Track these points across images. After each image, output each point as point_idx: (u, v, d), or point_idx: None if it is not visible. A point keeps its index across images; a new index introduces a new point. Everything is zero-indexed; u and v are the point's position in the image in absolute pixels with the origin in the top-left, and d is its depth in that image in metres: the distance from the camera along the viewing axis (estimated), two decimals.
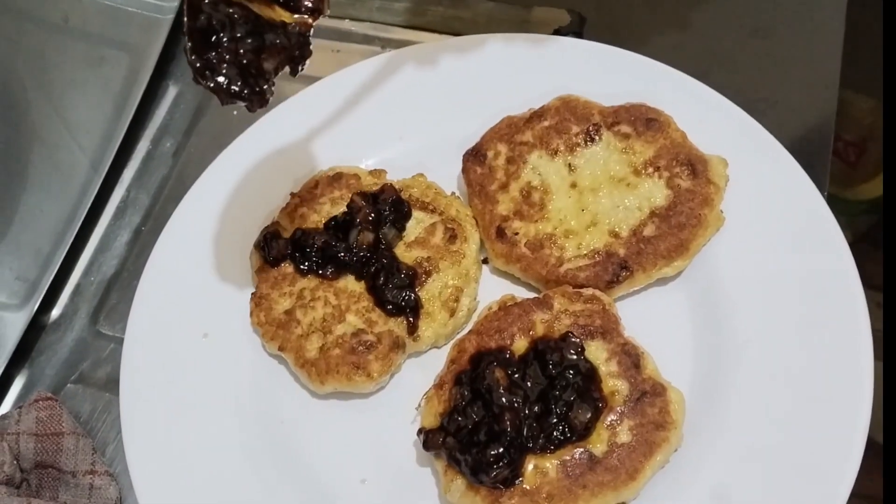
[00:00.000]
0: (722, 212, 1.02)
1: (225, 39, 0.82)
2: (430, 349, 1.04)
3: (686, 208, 1.00)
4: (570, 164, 1.06)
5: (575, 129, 1.07)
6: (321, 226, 1.07)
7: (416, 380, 1.01)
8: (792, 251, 0.99)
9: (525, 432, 0.89)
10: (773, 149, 1.05)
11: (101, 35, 1.20)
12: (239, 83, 0.84)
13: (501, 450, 0.88)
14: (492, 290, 1.06)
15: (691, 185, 1.01)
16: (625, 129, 1.06)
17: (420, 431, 0.93)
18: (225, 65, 0.83)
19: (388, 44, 1.34)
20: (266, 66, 0.84)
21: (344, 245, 1.04)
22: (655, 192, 1.02)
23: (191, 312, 1.06)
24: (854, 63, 1.68)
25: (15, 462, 1.01)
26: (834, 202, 1.68)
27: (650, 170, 1.03)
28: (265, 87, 0.85)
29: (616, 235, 1.01)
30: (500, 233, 1.05)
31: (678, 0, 1.31)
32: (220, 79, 0.83)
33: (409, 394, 1.00)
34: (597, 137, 1.06)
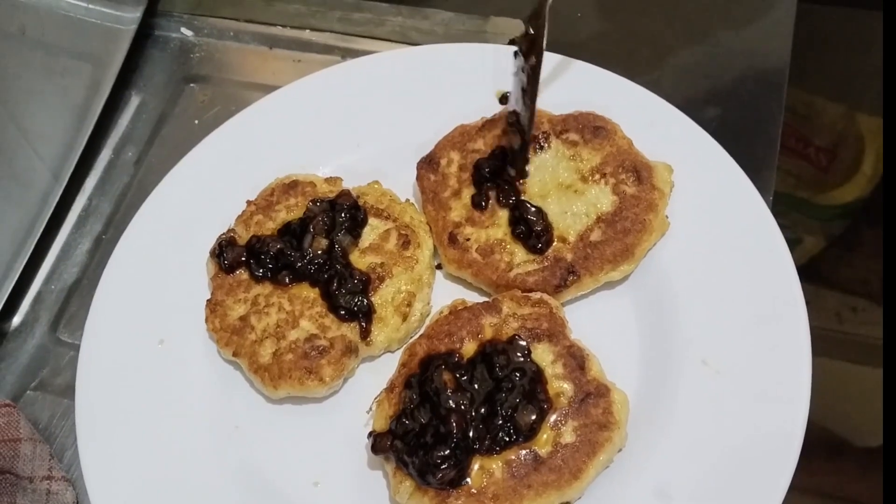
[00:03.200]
0: (667, 217, 1.05)
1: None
2: (383, 353, 1.06)
3: (631, 214, 1.03)
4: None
5: None
6: (277, 233, 1.08)
7: (370, 384, 1.03)
8: (735, 254, 1.02)
9: (471, 434, 0.91)
10: (718, 155, 1.08)
11: (61, 46, 1.21)
12: None
13: (447, 451, 0.90)
14: (445, 294, 1.08)
15: (636, 191, 1.04)
16: (573, 136, 1.08)
17: (370, 435, 0.94)
18: None
19: (348, 53, 1.36)
20: None
21: (298, 252, 1.05)
22: (602, 199, 1.04)
23: (147, 319, 1.07)
24: (825, 71, 1.72)
25: None
26: (806, 207, 1.72)
27: (597, 176, 1.05)
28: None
29: (564, 241, 1.03)
30: (453, 239, 1.07)
31: (631, 10, 1.34)
32: None
33: (362, 398, 1.02)
34: (546, 145, 1.08)
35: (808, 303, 1.71)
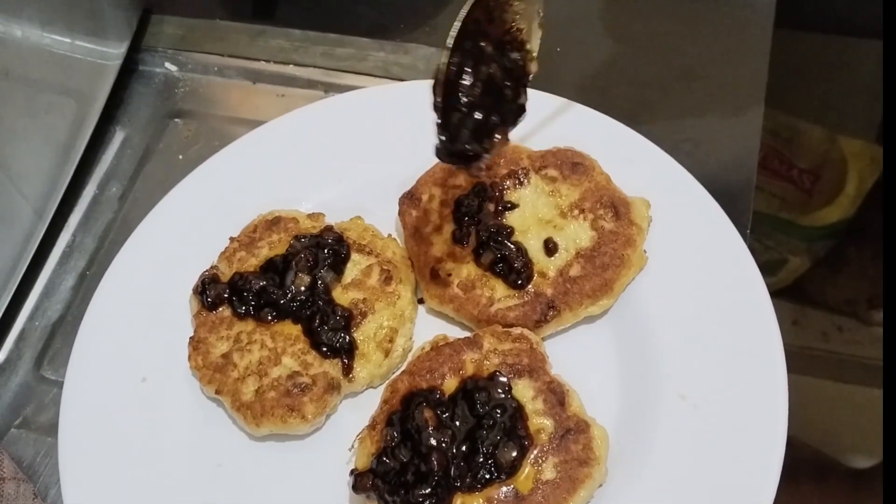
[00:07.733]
0: (645, 251, 1.06)
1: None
2: (366, 390, 1.06)
3: (610, 249, 1.04)
4: (500, 207, 1.09)
5: (504, 172, 1.10)
6: (259, 270, 1.09)
7: (353, 420, 1.03)
8: (711, 289, 1.03)
9: (452, 472, 0.92)
10: (694, 190, 1.09)
11: (45, 83, 1.22)
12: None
13: (428, 490, 0.90)
14: (428, 329, 1.09)
15: (614, 227, 1.05)
16: (552, 172, 1.10)
17: (351, 473, 0.95)
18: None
19: (331, 88, 1.38)
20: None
21: (281, 289, 1.06)
22: (581, 234, 1.06)
23: (130, 357, 1.08)
24: (806, 95, 1.75)
25: None
26: (791, 228, 1.74)
27: (575, 212, 1.07)
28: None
29: (544, 276, 1.05)
30: (434, 274, 1.08)
31: (608, 46, 1.36)
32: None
33: (345, 435, 1.02)
34: (525, 181, 1.10)
35: (794, 322, 1.73)
